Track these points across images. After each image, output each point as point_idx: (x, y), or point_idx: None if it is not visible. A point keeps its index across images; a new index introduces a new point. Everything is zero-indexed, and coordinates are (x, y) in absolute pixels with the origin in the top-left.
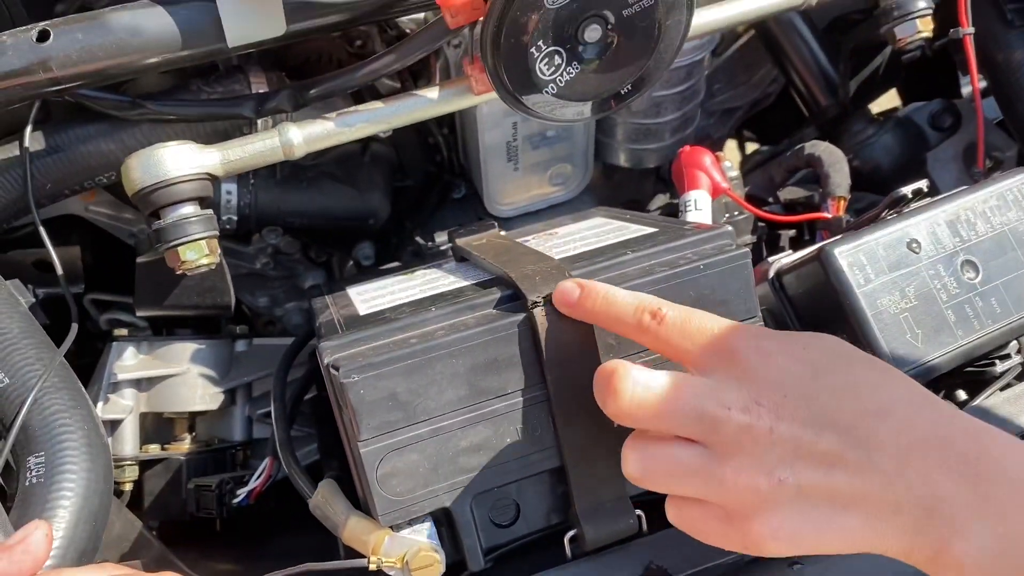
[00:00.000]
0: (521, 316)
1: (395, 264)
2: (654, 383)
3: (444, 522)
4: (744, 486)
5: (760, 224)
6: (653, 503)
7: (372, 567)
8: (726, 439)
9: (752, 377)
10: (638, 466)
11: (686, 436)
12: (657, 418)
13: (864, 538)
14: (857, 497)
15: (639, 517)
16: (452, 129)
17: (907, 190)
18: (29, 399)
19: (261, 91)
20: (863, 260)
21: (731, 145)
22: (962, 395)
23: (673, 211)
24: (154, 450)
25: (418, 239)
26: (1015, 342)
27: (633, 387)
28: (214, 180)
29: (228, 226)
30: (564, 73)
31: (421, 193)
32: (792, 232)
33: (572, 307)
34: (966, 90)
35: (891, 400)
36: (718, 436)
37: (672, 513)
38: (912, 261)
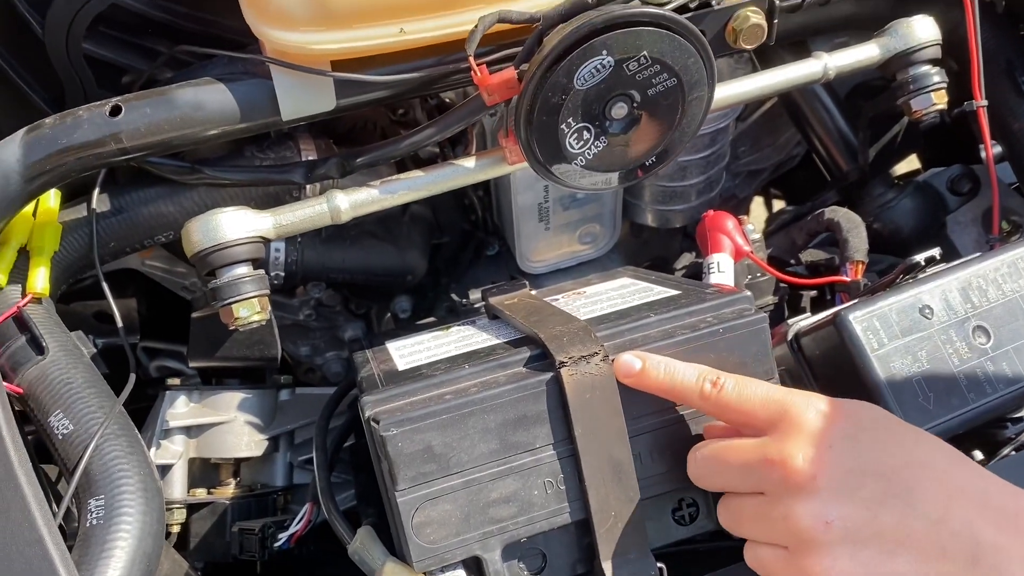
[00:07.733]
0: (549, 375)
1: (431, 320)
2: (709, 451)
3: (475, 569)
4: (795, 527)
5: (782, 285)
6: (674, 555)
7: None
8: (775, 487)
9: (799, 432)
10: (726, 517)
11: (747, 491)
12: (719, 478)
13: None
14: (903, 540)
15: (661, 569)
16: (487, 190)
17: (920, 258)
18: (91, 445)
19: (310, 158)
20: (877, 325)
21: (757, 202)
22: (978, 455)
23: (697, 271)
24: (201, 494)
25: (453, 296)
26: None
27: (697, 456)
28: (266, 242)
29: (276, 281)
30: (592, 146)
31: (457, 250)
32: (813, 292)
33: (634, 378)
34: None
35: (930, 453)
36: (769, 485)
37: (748, 556)
38: (924, 326)
